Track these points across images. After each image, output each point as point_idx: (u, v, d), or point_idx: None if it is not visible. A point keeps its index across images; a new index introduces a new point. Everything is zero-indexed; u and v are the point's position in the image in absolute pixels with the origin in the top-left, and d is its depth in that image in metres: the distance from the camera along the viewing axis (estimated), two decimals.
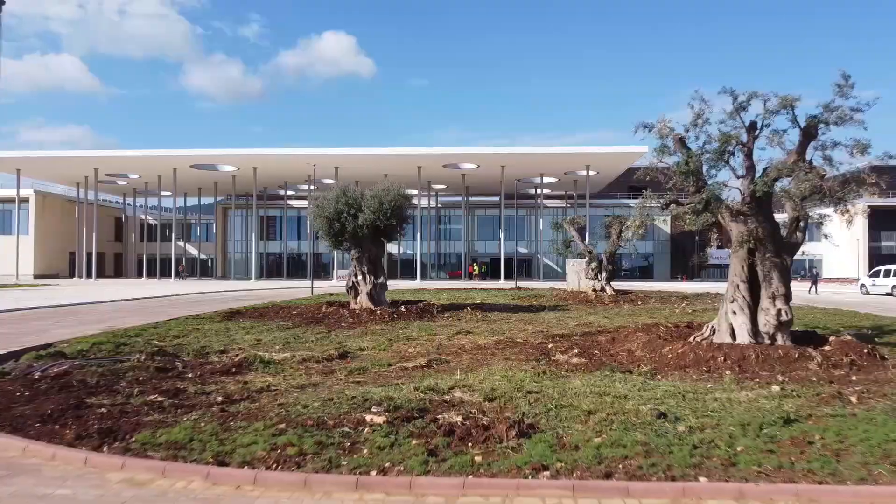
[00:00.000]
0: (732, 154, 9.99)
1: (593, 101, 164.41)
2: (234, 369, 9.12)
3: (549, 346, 11.35)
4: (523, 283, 38.68)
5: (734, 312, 10.68)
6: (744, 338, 10.36)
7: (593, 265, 25.29)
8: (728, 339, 10.60)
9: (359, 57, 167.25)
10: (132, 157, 42.62)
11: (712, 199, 10.71)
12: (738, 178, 10.35)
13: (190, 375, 8.75)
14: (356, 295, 18.77)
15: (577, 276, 29.46)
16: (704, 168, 10.32)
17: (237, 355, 10.27)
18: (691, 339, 11.16)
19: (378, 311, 17.29)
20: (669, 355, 9.91)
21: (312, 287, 28.23)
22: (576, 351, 10.67)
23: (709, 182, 11.18)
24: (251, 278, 47.69)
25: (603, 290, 25.07)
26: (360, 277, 18.71)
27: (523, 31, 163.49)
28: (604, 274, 25.07)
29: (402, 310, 17.58)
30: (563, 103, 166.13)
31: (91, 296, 26.78)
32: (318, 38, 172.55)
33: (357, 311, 17.44)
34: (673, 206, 11.75)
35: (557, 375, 8.63)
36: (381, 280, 18.64)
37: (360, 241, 18.38)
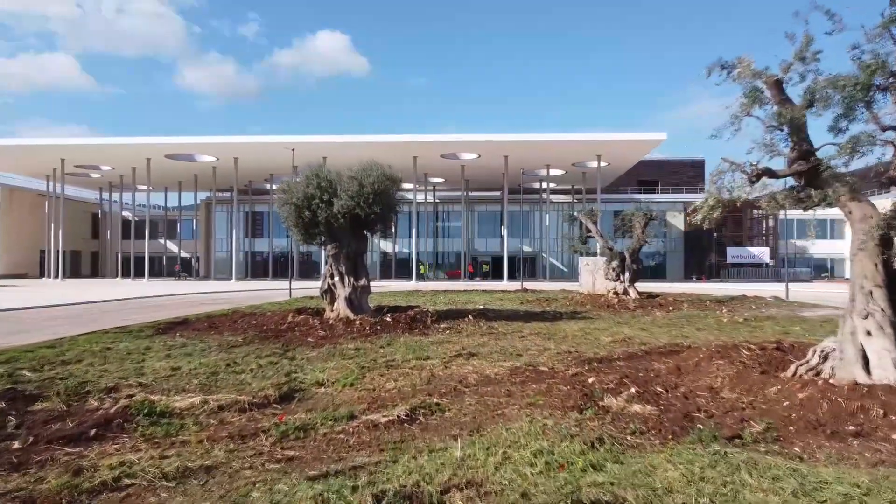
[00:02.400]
0: (886, 90, 6.48)
1: (595, 102, 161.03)
2: (95, 430, 5.65)
3: (590, 379, 7.87)
4: (528, 284, 35.22)
5: (868, 333, 7.19)
6: (889, 371, 6.89)
7: (614, 264, 21.81)
8: (858, 373, 7.12)
9: (353, 56, 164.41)
10: (100, 145, 38.95)
11: (833, 168, 7.27)
12: (883, 129, 6.84)
13: (15, 445, 5.30)
14: (332, 300, 15.30)
15: (592, 277, 26.07)
16: (838, 113, 6.80)
17: (125, 397, 6.83)
18: (794, 370, 7.70)
19: (357, 322, 13.81)
20: (784, 402, 6.45)
21: (291, 289, 24.77)
22: (633, 390, 7.20)
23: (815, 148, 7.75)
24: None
25: (626, 292, 21.61)
26: (336, 279, 15.23)
27: (523, 30, 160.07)
28: (627, 274, 21.59)
29: (388, 319, 14.10)
30: (564, 104, 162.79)
31: (37, 299, 23.31)
32: (312, 36, 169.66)
33: (331, 322, 13.97)
34: (766, 178, 8.26)
35: (622, 443, 5.23)
36: (362, 282, 15.15)
37: (336, 234, 14.92)
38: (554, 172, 45.46)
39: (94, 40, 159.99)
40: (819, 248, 53.41)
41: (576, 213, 24.04)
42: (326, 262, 15.68)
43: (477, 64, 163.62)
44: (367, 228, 15.49)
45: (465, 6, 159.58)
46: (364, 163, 14.42)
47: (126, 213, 53.31)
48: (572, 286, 33.69)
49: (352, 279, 15.12)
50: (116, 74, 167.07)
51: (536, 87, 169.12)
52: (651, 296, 22.59)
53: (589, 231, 23.32)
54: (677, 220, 48.05)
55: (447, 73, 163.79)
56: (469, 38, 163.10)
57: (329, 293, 15.40)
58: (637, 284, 24.46)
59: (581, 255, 25.13)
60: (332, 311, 15.17)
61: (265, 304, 20.02)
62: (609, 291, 21.85)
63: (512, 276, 43.72)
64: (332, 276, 15.35)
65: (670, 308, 19.56)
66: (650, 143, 36.71)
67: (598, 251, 25.69)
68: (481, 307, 19.36)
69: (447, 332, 13.09)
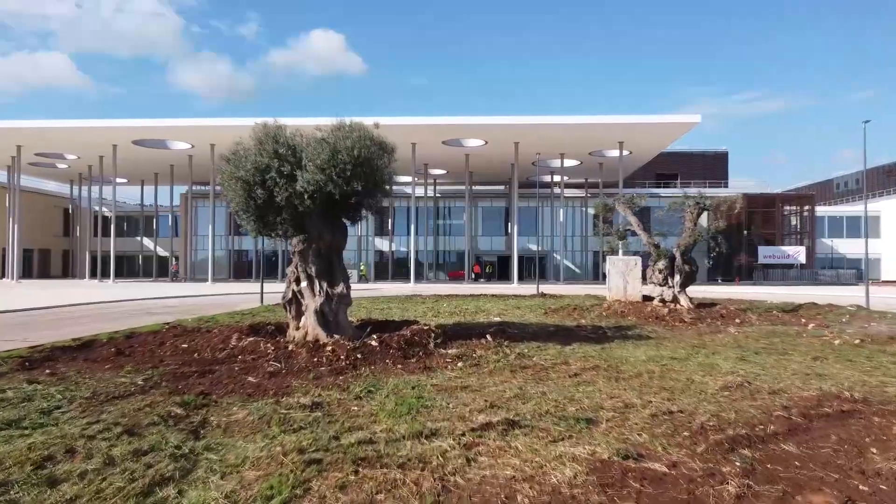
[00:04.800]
0: None
1: (599, 101, 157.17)
2: None
3: None
4: (542, 287, 30.95)
5: None
6: None
7: (661, 265, 17.59)
8: None
9: (348, 55, 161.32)
10: (58, 129, 34.39)
11: None
12: None
13: None
14: (298, 313, 11.10)
15: (623, 279, 21.85)
16: None
17: None
18: None
19: (329, 348, 9.62)
20: None
21: (262, 294, 20.57)
22: None
23: None
24: (218, 280, 39.93)
25: (675, 300, 17.38)
26: (304, 284, 11.04)
27: (520, 30, 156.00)
28: (677, 278, 17.36)
29: (374, 343, 9.89)
30: (567, 105, 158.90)
31: None
32: (306, 35, 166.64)
33: (291, 347, 9.78)
34: None
35: None
36: (339, 288, 10.93)
37: (302, 222, 10.78)
38: (568, 163, 41.20)
39: (92, 39, 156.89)
40: (851, 247, 49.27)
41: (610, 202, 19.87)
42: (292, 261, 11.47)
43: (477, 63, 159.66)
44: (346, 214, 11.30)
45: (463, 5, 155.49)
46: (339, 121, 10.21)
47: (100, 209, 48.94)
48: (596, 290, 29.52)
49: (325, 285, 10.92)
50: (113, 73, 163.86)
51: (540, 87, 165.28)
52: (704, 304, 18.39)
53: (629, 224, 19.11)
54: (701, 217, 43.74)
55: (447, 73, 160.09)
56: (469, 38, 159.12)
57: (294, 304, 11.19)
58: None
59: (616, 251, 20.93)
60: (297, 328, 10.97)
61: (220, 316, 15.82)
62: (655, 298, 17.63)
63: (521, 278, 39.59)
64: (297, 281, 11.15)
65: (736, 320, 15.43)
66: (681, 126, 32.48)
67: (615, 248, 21.28)
68: (497, 320, 15.18)
69: (459, 364, 8.91)
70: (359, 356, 9.28)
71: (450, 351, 10.00)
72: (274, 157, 10.07)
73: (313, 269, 10.91)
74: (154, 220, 49.42)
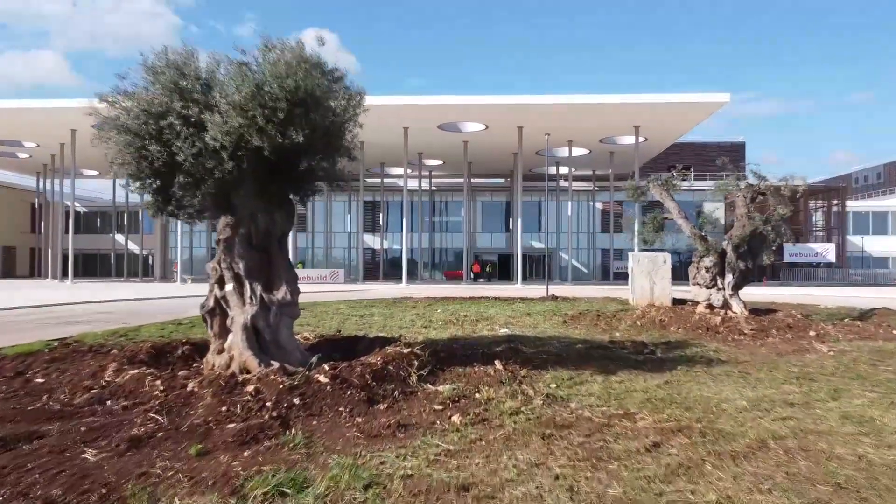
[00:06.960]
0: None
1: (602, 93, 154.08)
2: None
3: None
4: (550, 288, 27.50)
5: None
6: None
7: (707, 262, 14.18)
8: None
9: (341, 55, 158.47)
10: (6, 110, 30.50)
11: None
12: None
13: None
14: (222, 329, 7.64)
15: (650, 280, 18.63)
16: None
17: None
18: None
19: (251, 388, 6.26)
20: None
21: None
22: None
23: None
24: (198, 280, 36.49)
25: (725, 305, 13.98)
26: (229, 287, 7.63)
27: (517, 31, 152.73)
28: (728, 278, 13.97)
29: (323, 379, 6.44)
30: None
31: None
32: (299, 35, 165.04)
33: (193, 386, 6.38)
34: None
35: None
36: (280, 293, 7.51)
37: (227, 197, 7.39)
38: (576, 152, 37.72)
39: (86, 39, 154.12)
40: (877, 244, 45.89)
41: (645, 185, 16.52)
42: (217, 253, 8.01)
43: (477, 63, 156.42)
44: (293, 187, 7.90)
45: (461, 6, 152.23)
46: (267, 39, 6.76)
47: (62, 202, 45.31)
48: (611, 291, 26.14)
49: (258, 288, 7.51)
50: (106, 72, 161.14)
51: (536, 85, 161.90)
52: (758, 310, 14.98)
53: (666, 212, 15.72)
54: (718, 212, 40.33)
55: (447, 74, 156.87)
56: (468, 37, 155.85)
57: (217, 313, 7.73)
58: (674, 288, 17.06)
59: (649, 246, 17.58)
60: (219, 351, 7.53)
61: (149, 326, 12.36)
62: (701, 303, 14.22)
63: (525, 278, 36.19)
64: (219, 283, 7.73)
65: (811, 332, 12.02)
66: (706, 106, 29.01)
67: (650, 241, 17.77)
68: (505, 332, 11.74)
69: (454, 418, 5.50)
70: (296, 402, 5.88)
71: (440, 388, 6.59)
72: (174, 95, 6.63)
73: (241, 266, 7.47)
74: (125, 216, 45.64)
